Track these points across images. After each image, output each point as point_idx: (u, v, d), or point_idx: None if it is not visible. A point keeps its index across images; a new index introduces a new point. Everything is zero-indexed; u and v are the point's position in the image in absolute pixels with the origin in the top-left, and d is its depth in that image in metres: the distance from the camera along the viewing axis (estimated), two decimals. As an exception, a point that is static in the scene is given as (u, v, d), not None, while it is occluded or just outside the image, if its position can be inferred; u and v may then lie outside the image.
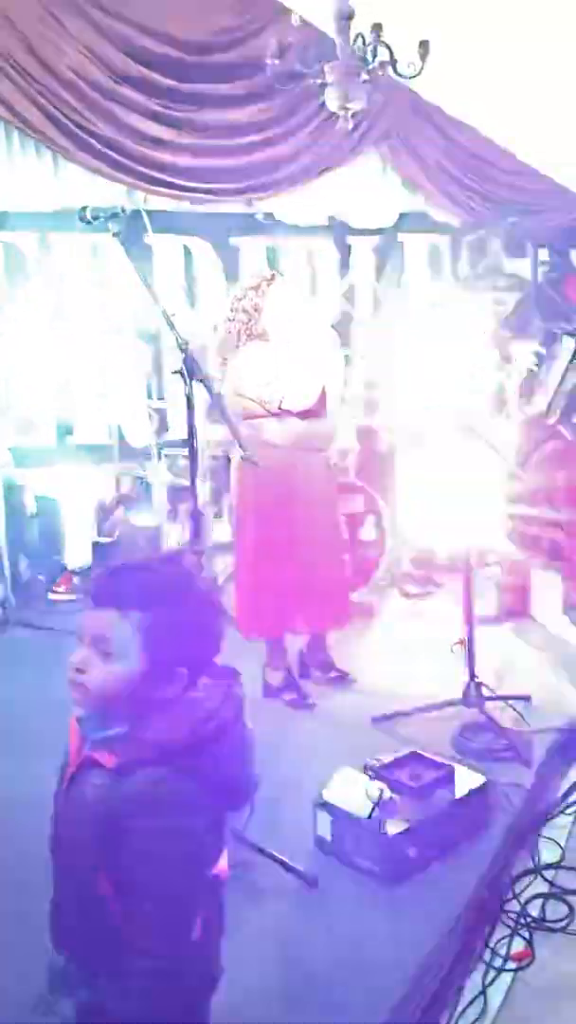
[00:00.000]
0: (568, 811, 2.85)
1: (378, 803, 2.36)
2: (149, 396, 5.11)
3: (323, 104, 4.36)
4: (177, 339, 2.20)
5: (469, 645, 3.22)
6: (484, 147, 6.04)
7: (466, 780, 2.54)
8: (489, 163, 6.09)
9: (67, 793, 1.41)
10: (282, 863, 2.36)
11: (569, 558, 4.35)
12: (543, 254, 6.62)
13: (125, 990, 1.29)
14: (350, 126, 4.17)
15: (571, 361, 3.98)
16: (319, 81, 4.19)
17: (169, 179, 5.03)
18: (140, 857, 1.28)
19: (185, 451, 4.87)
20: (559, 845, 2.67)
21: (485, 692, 3.22)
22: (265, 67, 4.22)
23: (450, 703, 3.22)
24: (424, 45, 3.85)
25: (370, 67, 4.03)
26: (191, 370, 2.18)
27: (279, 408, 3.24)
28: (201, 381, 2.20)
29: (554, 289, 4.21)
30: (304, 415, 3.30)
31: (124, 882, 1.30)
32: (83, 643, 1.33)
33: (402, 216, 6.08)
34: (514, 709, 3.26)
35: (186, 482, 4.80)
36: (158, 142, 4.95)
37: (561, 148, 5.86)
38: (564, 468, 4.20)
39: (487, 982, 2.14)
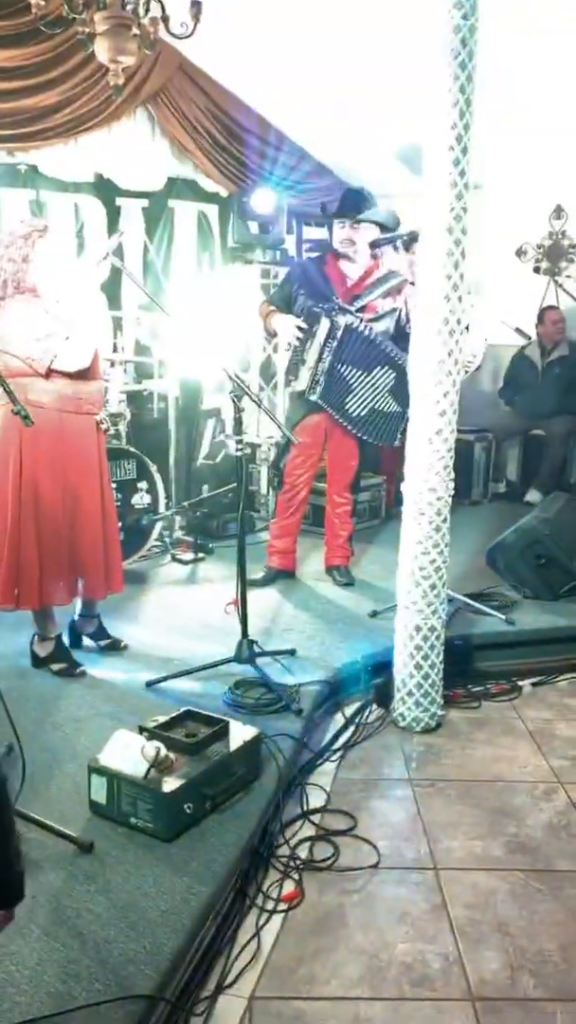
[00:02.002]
0: (332, 758, 3.03)
1: (154, 762, 2.37)
2: None
3: (92, 55, 4.20)
4: None
5: (242, 605, 3.30)
6: (251, 119, 6.13)
7: (240, 733, 2.61)
8: (254, 135, 6.18)
9: None
10: (55, 831, 2.31)
11: (330, 524, 4.57)
12: (308, 232, 6.88)
13: None
14: (121, 80, 4.03)
15: (326, 340, 4.14)
16: (88, 31, 4.03)
17: None
18: None
19: None
20: (324, 790, 2.84)
21: (255, 649, 3.31)
22: (28, 8, 3.98)
23: (223, 662, 3.29)
24: (196, 6, 3.81)
25: (141, 21, 3.93)
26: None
27: (49, 368, 3.09)
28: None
29: (315, 266, 4.35)
30: (73, 376, 3.17)
31: None
32: None
33: (171, 181, 6.03)
34: (281, 664, 3.39)
35: None
36: None
37: (323, 128, 6.08)
38: (326, 441, 4.39)
39: (260, 924, 2.24)
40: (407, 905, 2.33)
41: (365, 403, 4.19)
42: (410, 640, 3.12)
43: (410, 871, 2.47)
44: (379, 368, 4.16)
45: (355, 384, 4.17)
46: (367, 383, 4.17)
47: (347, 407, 4.19)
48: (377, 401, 4.19)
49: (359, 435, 4.25)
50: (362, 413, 4.20)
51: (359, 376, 4.16)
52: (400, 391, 4.14)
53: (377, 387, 4.17)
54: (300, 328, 4.16)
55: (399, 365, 4.12)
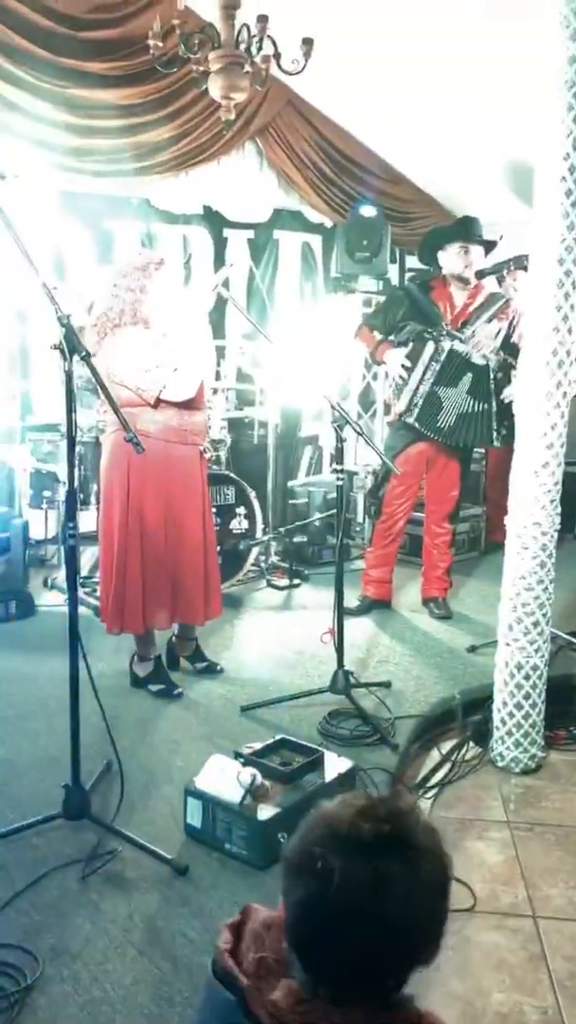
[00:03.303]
0: (427, 795, 2.96)
1: (249, 789, 2.37)
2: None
3: (204, 92, 4.34)
4: (57, 312, 2.12)
5: (338, 635, 3.29)
6: (357, 150, 6.20)
7: (335, 764, 2.59)
8: (361, 167, 6.25)
9: None
10: (151, 852, 2.34)
11: (428, 554, 4.52)
12: (411, 260, 6.88)
13: None
14: (232, 116, 4.15)
15: (429, 363, 4.13)
16: (202, 69, 4.17)
17: (43, 155, 4.85)
18: None
19: (48, 436, 4.77)
20: (419, 827, 2.77)
21: (351, 680, 3.29)
22: (146, 49, 4.15)
23: (318, 691, 3.28)
24: (308, 42, 3.90)
25: (253, 59, 4.04)
26: (71, 345, 2.11)
27: (158, 398, 3.16)
28: (82, 358, 2.12)
29: (422, 293, 4.34)
30: (179, 406, 3.23)
31: None
32: None
33: (277, 212, 6.14)
34: (376, 696, 3.36)
35: (51, 467, 4.69)
36: (31, 115, 4.78)
37: (430, 159, 6.09)
38: (428, 471, 4.37)
39: (352, 960, 2.20)
40: (504, 953, 2.25)
41: (451, 411, 4.16)
42: (511, 678, 3.04)
43: (507, 917, 2.39)
44: (462, 377, 4.14)
45: (444, 399, 4.15)
46: (452, 394, 4.14)
47: (438, 423, 4.17)
48: (461, 405, 4.16)
49: (455, 444, 4.21)
50: (451, 422, 4.17)
51: (448, 392, 4.14)
52: (477, 389, 4.13)
53: (460, 393, 4.15)
54: (406, 364, 4.15)
55: (474, 364, 4.11)
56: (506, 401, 4.17)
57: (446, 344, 4.11)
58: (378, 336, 4.34)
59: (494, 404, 4.15)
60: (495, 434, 4.18)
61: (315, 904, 1.07)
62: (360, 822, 1.09)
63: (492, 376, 4.14)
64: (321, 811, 1.15)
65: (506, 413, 4.19)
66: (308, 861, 1.08)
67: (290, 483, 5.66)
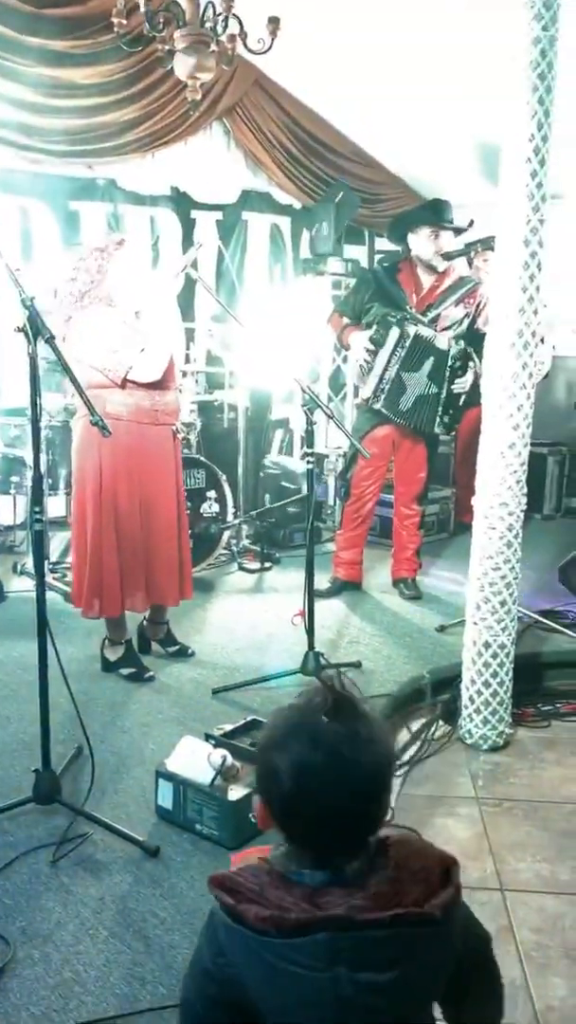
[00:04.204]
0: (396, 773, 3.00)
1: (220, 770, 2.38)
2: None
3: (170, 71, 4.28)
4: (21, 295, 2.10)
5: (308, 617, 3.30)
6: (326, 132, 6.16)
7: (305, 745, 2.61)
8: (329, 147, 6.21)
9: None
10: (122, 834, 2.35)
11: (398, 536, 4.55)
12: (380, 242, 6.87)
13: None
14: (198, 96, 4.11)
15: (394, 349, 4.13)
16: (167, 48, 4.11)
17: (6, 135, 4.77)
18: None
19: (16, 420, 4.72)
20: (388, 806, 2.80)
21: (321, 661, 3.31)
22: (110, 27, 4.08)
23: (289, 673, 3.30)
24: (274, 21, 3.86)
25: (219, 38, 4.00)
26: (36, 328, 2.09)
27: (125, 379, 3.15)
28: (47, 340, 2.11)
29: (388, 275, 4.33)
30: (149, 387, 3.22)
31: None
32: None
33: (245, 194, 6.10)
34: (346, 676, 3.37)
35: (18, 452, 4.65)
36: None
37: (399, 140, 6.07)
38: (395, 453, 4.39)
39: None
40: (472, 926, 2.29)
41: (412, 395, 4.18)
42: (479, 656, 3.07)
43: (475, 891, 2.43)
44: (425, 361, 4.15)
45: (408, 383, 4.16)
46: (414, 378, 4.16)
47: (400, 406, 4.19)
48: (420, 388, 4.17)
49: (411, 426, 4.22)
50: (409, 405, 4.19)
51: (412, 376, 4.15)
52: (436, 374, 4.15)
53: (422, 376, 4.16)
54: (368, 347, 4.15)
55: (437, 349, 4.13)
56: (456, 391, 4.19)
57: (411, 329, 4.11)
58: (346, 321, 4.34)
59: (444, 391, 4.17)
60: (438, 419, 4.20)
61: (310, 762, 1.15)
62: (311, 698, 1.22)
63: (450, 363, 4.15)
64: (275, 714, 1.26)
65: (452, 402, 4.21)
66: (292, 733, 1.18)
67: (265, 458, 5.66)
